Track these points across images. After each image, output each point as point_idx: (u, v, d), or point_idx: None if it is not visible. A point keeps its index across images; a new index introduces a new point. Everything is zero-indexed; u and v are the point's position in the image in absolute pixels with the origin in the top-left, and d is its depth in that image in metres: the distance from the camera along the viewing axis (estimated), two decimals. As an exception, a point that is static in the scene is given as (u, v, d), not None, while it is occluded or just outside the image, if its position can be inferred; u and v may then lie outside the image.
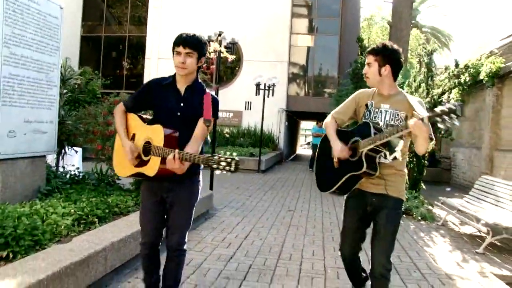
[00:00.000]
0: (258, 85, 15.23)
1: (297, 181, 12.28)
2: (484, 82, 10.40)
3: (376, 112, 2.97)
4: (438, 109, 2.53)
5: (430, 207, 7.85)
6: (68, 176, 5.55)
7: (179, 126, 2.81)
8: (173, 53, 2.85)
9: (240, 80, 20.47)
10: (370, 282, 3.01)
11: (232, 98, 19.58)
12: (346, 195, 3.11)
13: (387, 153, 2.90)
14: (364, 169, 2.82)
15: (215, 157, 2.50)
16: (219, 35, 7.89)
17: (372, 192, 2.94)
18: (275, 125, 19.90)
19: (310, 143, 23.60)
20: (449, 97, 11.94)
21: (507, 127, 9.90)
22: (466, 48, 39.47)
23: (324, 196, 9.33)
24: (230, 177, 11.12)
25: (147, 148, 2.83)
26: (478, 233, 6.22)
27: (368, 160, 2.83)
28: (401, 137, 2.86)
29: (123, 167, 2.99)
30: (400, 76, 9.62)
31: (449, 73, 10.11)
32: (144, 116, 3.04)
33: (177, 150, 2.62)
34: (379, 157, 2.88)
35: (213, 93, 2.93)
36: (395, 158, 2.92)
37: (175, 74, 2.94)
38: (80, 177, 5.65)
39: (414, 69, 10.34)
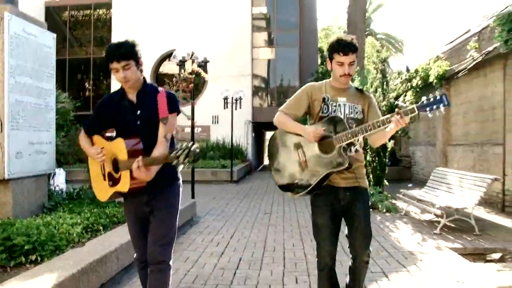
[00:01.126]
0: (226, 99, 15.88)
1: (269, 188, 12.91)
2: (433, 84, 11.41)
3: (335, 106, 2.89)
4: (424, 101, 2.59)
5: (393, 201, 8.65)
6: (64, 193, 6.01)
7: (143, 134, 2.73)
8: (110, 69, 2.73)
9: (206, 96, 21.05)
10: (351, 271, 2.99)
11: (200, 113, 20.03)
12: (313, 196, 2.97)
13: (352, 146, 2.87)
14: (346, 164, 2.73)
15: (172, 153, 2.37)
16: (192, 55, 8.49)
17: (344, 186, 2.88)
18: (242, 137, 20.54)
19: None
20: (404, 99, 12.93)
21: (456, 124, 10.90)
22: (419, 52, 41.37)
23: (296, 199, 9.99)
24: (206, 188, 11.67)
25: (116, 165, 2.76)
26: (435, 219, 7.01)
27: (344, 154, 2.77)
28: None
29: (101, 190, 2.93)
30: (358, 82, 10.46)
31: (401, 78, 11.05)
32: (108, 135, 2.96)
33: (140, 157, 2.56)
34: (349, 150, 2.84)
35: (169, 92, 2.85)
36: (356, 150, 2.90)
37: (122, 86, 2.84)
38: (75, 194, 6.12)
39: (372, 75, 11.21)
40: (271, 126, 26.14)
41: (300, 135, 2.91)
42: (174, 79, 6.65)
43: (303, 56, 22.06)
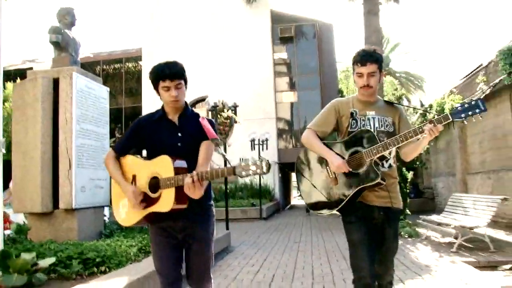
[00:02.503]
0: (252, 141, 16.74)
1: (297, 223, 13.48)
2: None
3: (363, 120, 2.82)
4: (459, 107, 2.50)
5: (414, 227, 9.14)
6: (115, 224, 6.81)
7: (183, 157, 2.65)
8: (156, 89, 2.73)
9: (234, 139, 22.00)
10: None
11: (229, 155, 20.89)
12: (341, 212, 2.87)
13: (383, 161, 2.78)
14: (379, 179, 2.62)
15: (242, 164, 2.36)
16: (222, 101, 9.42)
17: (378, 205, 2.79)
18: (270, 178, 21.21)
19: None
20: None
21: (473, 153, 11.42)
22: (439, 87, 41.88)
23: (323, 230, 10.57)
24: (237, 225, 12.33)
25: (154, 184, 2.62)
26: (454, 240, 7.49)
27: (376, 169, 2.66)
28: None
29: (127, 214, 2.77)
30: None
31: (416, 113, 11.73)
32: (140, 156, 2.89)
33: (194, 172, 2.47)
34: (381, 165, 2.75)
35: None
36: (390, 165, 2.82)
37: (163, 107, 2.82)
38: (125, 224, 6.90)
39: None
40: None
41: None
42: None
43: (324, 97, 22.95)
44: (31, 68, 22.15)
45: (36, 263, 3.91)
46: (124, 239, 5.58)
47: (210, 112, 9.60)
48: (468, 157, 11.75)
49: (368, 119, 2.82)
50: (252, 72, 22.31)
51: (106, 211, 8.51)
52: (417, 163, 10.91)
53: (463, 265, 5.63)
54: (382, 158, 2.74)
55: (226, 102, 9.74)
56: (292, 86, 24.32)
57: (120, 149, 2.84)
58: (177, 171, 2.53)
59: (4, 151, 4.39)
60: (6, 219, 6.69)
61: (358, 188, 2.69)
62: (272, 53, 23.08)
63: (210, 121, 2.83)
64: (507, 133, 9.21)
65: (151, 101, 23.00)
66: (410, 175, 10.31)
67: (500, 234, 8.49)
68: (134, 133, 2.82)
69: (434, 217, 8.35)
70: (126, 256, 4.87)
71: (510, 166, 9.09)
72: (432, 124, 2.48)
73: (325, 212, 2.89)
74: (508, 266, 5.62)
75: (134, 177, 2.74)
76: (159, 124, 2.78)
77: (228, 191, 20.00)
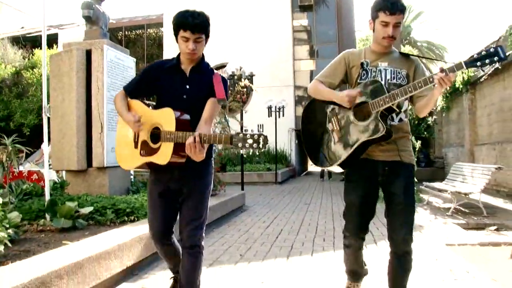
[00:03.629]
0: (270, 108, 17.27)
1: (310, 188, 14.14)
2: (460, 89, 12.36)
3: (374, 71, 2.67)
4: (475, 55, 2.28)
5: (420, 194, 9.70)
6: (140, 182, 7.55)
7: (186, 110, 2.61)
8: (176, 35, 2.63)
9: (251, 106, 22.54)
10: (391, 261, 2.72)
11: (246, 122, 21.54)
12: (344, 169, 2.77)
13: (393, 114, 2.65)
14: (383, 131, 2.49)
15: (240, 135, 2.30)
16: (240, 69, 9.94)
17: (384, 160, 2.65)
18: (286, 144, 21.83)
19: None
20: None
21: (481, 125, 11.80)
22: (460, 57, 41.32)
23: (333, 194, 11.22)
24: (252, 188, 13.05)
25: (156, 134, 2.61)
26: (456, 207, 8.05)
27: (382, 121, 2.52)
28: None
29: (128, 158, 2.80)
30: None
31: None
32: (147, 102, 2.93)
33: (197, 132, 2.41)
34: (390, 118, 2.63)
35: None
36: (400, 119, 2.69)
37: (179, 55, 2.75)
38: (149, 183, 7.64)
39: None
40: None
41: (335, 103, 2.71)
42: (230, 91, 7.88)
43: (342, 66, 23.16)
44: (56, 35, 22.86)
45: (78, 210, 4.63)
46: (149, 194, 6.29)
47: (230, 81, 10.14)
48: (476, 128, 12.14)
49: (380, 70, 2.66)
50: (271, 40, 22.61)
51: (132, 170, 9.29)
52: (425, 133, 11.38)
53: (452, 226, 6.23)
54: (392, 110, 2.58)
55: (244, 70, 10.25)
56: (311, 54, 24.54)
57: (130, 91, 2.82)
58: (179, 124, 2.51)
59: (49, 115, 5.03)
60: (40, 177, 7.51)
61: (362, 141, 2.56)
62: (292, 21, 23.28)
63: (223, 79, 2.73)
64: (511, 106, 9.58)
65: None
66: (418, 144, 10.78)
67: (498, 202, 9.01)
68: (145, 77, 2.81)
69: (435, 184, 8.89)
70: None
71: (513, 138, 9.51)
72: (444, 73, 2.29)
73: (328, 166, 2.80)
74: (493, 228, 6.18)
75: None
76: (170, 72, 2.73)
77: (245, 156, 20.84)
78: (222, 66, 22.01)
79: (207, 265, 4.28)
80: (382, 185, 2.71)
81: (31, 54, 17.57)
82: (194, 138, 2.37)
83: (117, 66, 6.51)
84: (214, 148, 2.90)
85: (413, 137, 10.69)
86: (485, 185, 7.26)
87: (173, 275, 3.15)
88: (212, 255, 4.73)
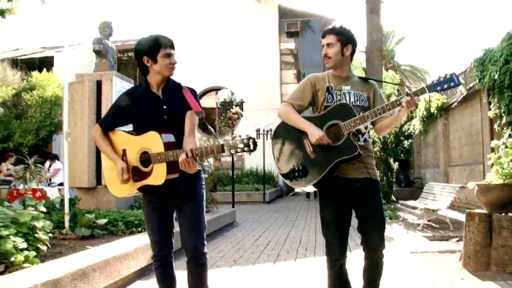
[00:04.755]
0: (258, 130, 18.12)
1: (296, 207, 14.92)
2: (435, 114, 13.38)
3: (339, 95, 2.86)
4: (434, 80, 2.58)
5: (396, 211, 10.54)
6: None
7: (168, 129, 2.77)
8: (153, 56, 2.78)
9: (240, 128, 23.39)
10: (366, 263, 2.92)
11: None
12: (318, 188, 2.89)
13: (359, 135, 2.87)
14: (355, 151, 2.68)
15: (230, 142, 2.47)
16: (232, 95, 10.83)
17: (355, 177, 2.84)
18: (274, 165, 22.56)
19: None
20: (414, 127, 14.95)
21: (454, 148, 12.78)
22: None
23: (317, 212, 12.00)
24: (242, 207, 13.81)
25: (145, 158, 2.75)
26: (426, 223, 8.90)
27: (354, 141, 2.74)
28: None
29: (119, 186, 2.88)
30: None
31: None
32: (127, 130, 2.96)
33: (187, 148, 2.58)
34: (357, 139, 2.83)
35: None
36: (365, 140, 2.90)
37: (145, 80, 2.90)
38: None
39: None
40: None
41: None
42: (221, 116, 8.60)
43: (327, 90, 24.21)
44: (52, 57, 23.58)
45: (95, 221, 5.38)
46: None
47: (222, 107, 10.96)
48: (450, 151, 13.11)
49: (344, 93, 2.86)
50: (259, 65, 23.61)
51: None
52: (401, 155, 12.38)
53: (419, 238, 7.07)
54: (358, 132, 2.82)
55: (235, 97, 11.14)
56: (298, 78, 25.58)
57: (107, 126, 2.94)
58: (166, 146, 2.67)
59: (69, 139, 5.79)
60: (44, 195, 8.20)
61: (337, 160, 2.71)
62: (279, 47, 24.36)
63: (192, 91, 2.93)
64: (478, 131, 10.55)
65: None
66: (396, 165, 11.68)
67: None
68: (118, 109, 2.93)
69: (409, 202, 9.76)
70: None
71: (480, 160, 10.44)
72: (409, 97, 2.57)
73: (302, 184, 2.89)
74: (456, 239, 7.00)
75: (124, 151, 2.84)
76: (144, 98, 2.85)
77: (234, 176, 21.59)
78: (209, 91, 22.94)
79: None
80: (356, 201, 2.87)
81: (29, 77, 18.26)
82: (187, 154, 2.56)
83: (124, 95, 7.33)
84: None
85: (391, 159, 11.65)
86: (451, 202, 8.11)
87: None
88: (209, 260, 5.47)
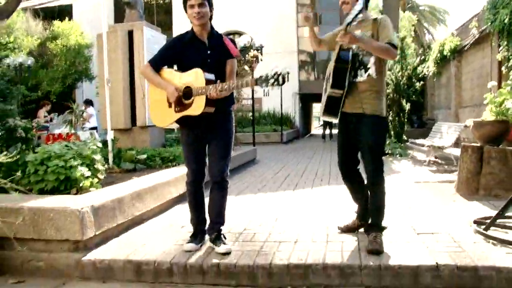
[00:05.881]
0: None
1: (313, 147, 15.71)
2: (447, 57, 13.72)
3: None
4: (264, 75, 2.92)
5: (406, 149, 11.22)
6: (172, 139, 9.11)
7: (210, 71, 3.17)
8: (186, 10, 3.23)
9: (258, 71, 23.81)
10: (367, 189, 3.49)
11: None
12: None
13: (362, 71, 3.24)
14: (328, 93, 3.30)
15: (262, 77, 2.88)
16: (251, 40, 11.31)
17: (352, 112, 3.33)
18: (291, 108, 23.26)
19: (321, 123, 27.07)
20: (428, 69, 15.31)
21: (465, 89, 13.21)
22: (462, 21, 41.85)
23: (333, 150, 12.78)
24: (261, 147, 14.63)
25: (188, 92, 3.15)
26: (433, 159, 9.58)
27: (335, 77, 3.21)
28: (371, 54, 3.21)
29: (163, 117, 3.35)
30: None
31: (417, 53, 13.45)
32: (174, 68, 3.36)
33: (218, 83, 3.03)
34: (353, 76, 3.25)
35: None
36: (369, 75, 3.23)
37: (192, 29, 3.31)
38: (178, 139, 9.20)
39: (410, 48, 13.57)
40: (317, 98, 28.81)
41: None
42: (241, 60, 9.08)
43: (344, 33, 24.25)
44: (70, 5, 23.94)
45: (136, 157, 6.19)
46: (181, 147, 7.85)
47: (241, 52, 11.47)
48: (461, 92, 13.54)
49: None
50: (275, 8, 23.69)
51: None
52: (413, 96, 12.94)
53: (425, 171, 7.79)
54: (361, 66, 3.24)
55: (254, 42, 11.62)
56: (315, 21, 25.58)
57: (157, 63, 3.34)
58: (208, 82, 3.08)
59: (110, 85, 6.50)
60: (78, 138, 9.02)
61: (325, 97, 3.36)
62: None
63: (232, 41, 3.39)
64: (488, 73, 10.96)
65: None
66: (407, 106, 12.21)
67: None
68: (169, 51, 3.37)
69: (418, 141, 10.39)
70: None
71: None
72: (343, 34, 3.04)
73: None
74: (456, 173, 7.69)
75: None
76: (191, 44, 3.27)
77: (254, 118, 22.34)
78: (234, 33, 23.22)
79: (235, 194, 5.86)
80: (353, 132, 3.38)
81: (51, 26, 18.76)
82: (216, 87, 3.02)
83: (153, 42, 7.96)
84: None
85: (404, 100, 12.17)
86: (456, 140, 8.75)
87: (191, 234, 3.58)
88: (237, 189, 6.31)
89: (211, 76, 3.16)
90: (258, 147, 12.79)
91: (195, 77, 3.13)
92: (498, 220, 3.60)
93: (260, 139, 17.15)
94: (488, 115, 5.63)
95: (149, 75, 3.32)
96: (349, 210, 4.14)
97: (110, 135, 6.55)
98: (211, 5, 3.27)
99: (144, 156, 6.32)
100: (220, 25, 22.79)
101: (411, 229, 3.78)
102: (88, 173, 4.44)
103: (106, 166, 6.06)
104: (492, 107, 5.61)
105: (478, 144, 5.51)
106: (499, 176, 5.10)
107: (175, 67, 3.40)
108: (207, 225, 3.51)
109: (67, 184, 4.21)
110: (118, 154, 6.18)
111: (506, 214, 3.65)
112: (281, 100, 18.57)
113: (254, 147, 10.96)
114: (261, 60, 11.67)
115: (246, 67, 10.23)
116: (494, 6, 9.84)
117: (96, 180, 4.53)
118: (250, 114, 22.80)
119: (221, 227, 3.45)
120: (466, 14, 43.55)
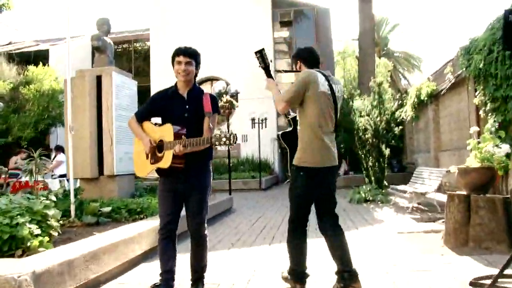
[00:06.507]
0: (253, 119, 18.44)
1: (292, 193, 15.27)
2: (425, 101, 13.72)
3: None
4: (224, 133, 3.08)
5: (387, 195, 10.91)
6: (142, 188, 8.63)
7: (189, 125, 3.35)
8: (173, 65, 3.43)
9: (236, 118, 23.69)
10: None
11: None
12: None
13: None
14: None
15: (216, 136, 3.03)
16: (227, 86, 11.14)
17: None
18: (269, 153, 22.98)
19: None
20: (406, 113, 15.31)
21: (444, 132, 13.13)
22: (435, 67, 43.04)
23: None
24: (239, 194, 14.17)
25: (161, 145, 3.36)
26: (415, 205, 9.27)
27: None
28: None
29: (141, 168, 3.57)
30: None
31: (394, 98, 13.43)
32: (154, 122, 3.59)
33: (184, 138, 3.19)
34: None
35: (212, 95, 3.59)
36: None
37: (176, 83, 3.53)
38: (149, 188, 8.73)
39: (387, 93, 13.56)
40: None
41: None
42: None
43: (321, 78, 24.48)
44: (46, 50, 23.70)
45: (100, 210, 5.71)
46: (151, 197, 7.37)
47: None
48: (440, 136, 13.46)
49: None
50: (253, 54, 23.78)
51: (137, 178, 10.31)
52: (392, 141, 12.77)
53: (408, 219, 7.44)
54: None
55: (230, 88, 11.43)
56: (292, 67, 25.79)
57: (141, 117, 3.61)
58: (176, 136, 3.27)
59: (73, 132, 6.09)
60: (45, 186, 8.51)
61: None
62: (272, 37, 24.56)
63: (211, 97, 3.53)
64: (466, 117, 10.89)
65: (158, 80, 24.71)
66: (387, 151, 12.01)
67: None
68: (152, 104, 3.59)
69: (399, 187, 10.12)
70: (156, 208, 6.66)
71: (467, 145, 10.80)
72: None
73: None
74: (442, 221, 7.37)
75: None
76: (172, 98, 3.48)
77: (231, 165, 21.93)
78: (203, 81, 23.16)
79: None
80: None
81: (25, 71, 18.43)
82: (182, 144, 3.17)
83: (123, 89, 7.64)
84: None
85: (383, 145, 11.98)
86: (439, 186, 8.48)
87: (154, 284, 3.64)
88: (210, 243, 5.80)
89: (182, 131, 3.33)
90: (235, 194, 12.34)
91: (167, 132, 3.33)
92: (498, 280, 3.23)
93: (238, 185, 16.71)
94: (473, 162, 5.36)
95: (133, 126, 3.60)
96: (328, 267, 3.72)
97: (72, 185, 6.08)
98: (198, 64, 3.52)
99: (109, 208, 5.83)
100: (200, 70, 22.88)
101: (399, 292, 3.37)
102: (38, 231, 3.97)
103: (66, 220, 5.60)
104: (476, 153, 5.35)
105: (464, 193, 5.21)
106: (488, 227, 4.77)
107: (160, 120, 3.59)
108: (190, 273, 3.59)
109: (12, 244, 3.73)
110: (80, 206, 5.68)
111: (505, 273, 3.29)
112: (259, 146, 18.29)
113: (230, 195, 10.52)
114: (237, 106, 11.45)
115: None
116: (468, 52, 9.85)
117: (47, 238, 4.04)
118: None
119: (204, 273, 3.60)
120: (439, 60, 44.92)
